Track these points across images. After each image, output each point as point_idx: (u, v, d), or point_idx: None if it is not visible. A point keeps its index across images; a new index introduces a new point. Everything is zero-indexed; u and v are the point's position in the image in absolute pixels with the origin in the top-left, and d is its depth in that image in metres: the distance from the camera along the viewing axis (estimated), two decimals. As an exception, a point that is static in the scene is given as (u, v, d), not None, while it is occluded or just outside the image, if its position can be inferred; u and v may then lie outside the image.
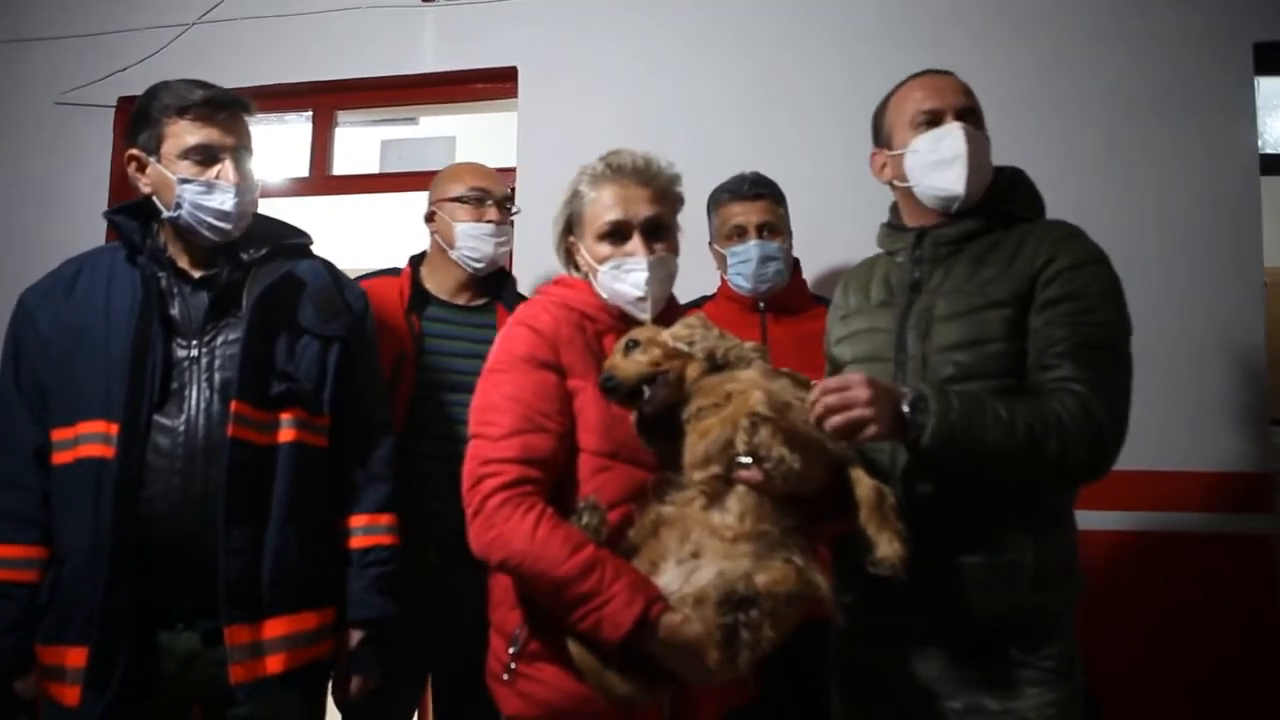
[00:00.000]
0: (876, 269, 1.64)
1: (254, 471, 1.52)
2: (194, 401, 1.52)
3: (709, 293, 2.26)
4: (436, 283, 2.16)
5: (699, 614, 1.20)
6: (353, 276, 1.87)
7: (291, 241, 1.69)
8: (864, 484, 1.27)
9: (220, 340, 1.55)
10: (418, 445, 1.91)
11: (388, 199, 3.33)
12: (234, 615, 1.48)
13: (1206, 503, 2.37)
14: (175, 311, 1.57)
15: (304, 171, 3.18)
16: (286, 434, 1.56)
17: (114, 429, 1.48)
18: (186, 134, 1.56)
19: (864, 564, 1.24)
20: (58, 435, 1.53)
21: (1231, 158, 2.45)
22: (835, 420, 1.25)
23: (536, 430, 1.34)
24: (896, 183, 1.59)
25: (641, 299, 1.44)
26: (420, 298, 2.12)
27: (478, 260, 2.12)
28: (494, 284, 2.19)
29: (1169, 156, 2.48)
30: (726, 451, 1.23)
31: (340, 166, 3.24)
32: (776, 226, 2.13)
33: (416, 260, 2.22)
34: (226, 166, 1.57)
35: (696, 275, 2.06)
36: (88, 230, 3.00)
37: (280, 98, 3.10)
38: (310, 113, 3.21)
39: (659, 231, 1.47)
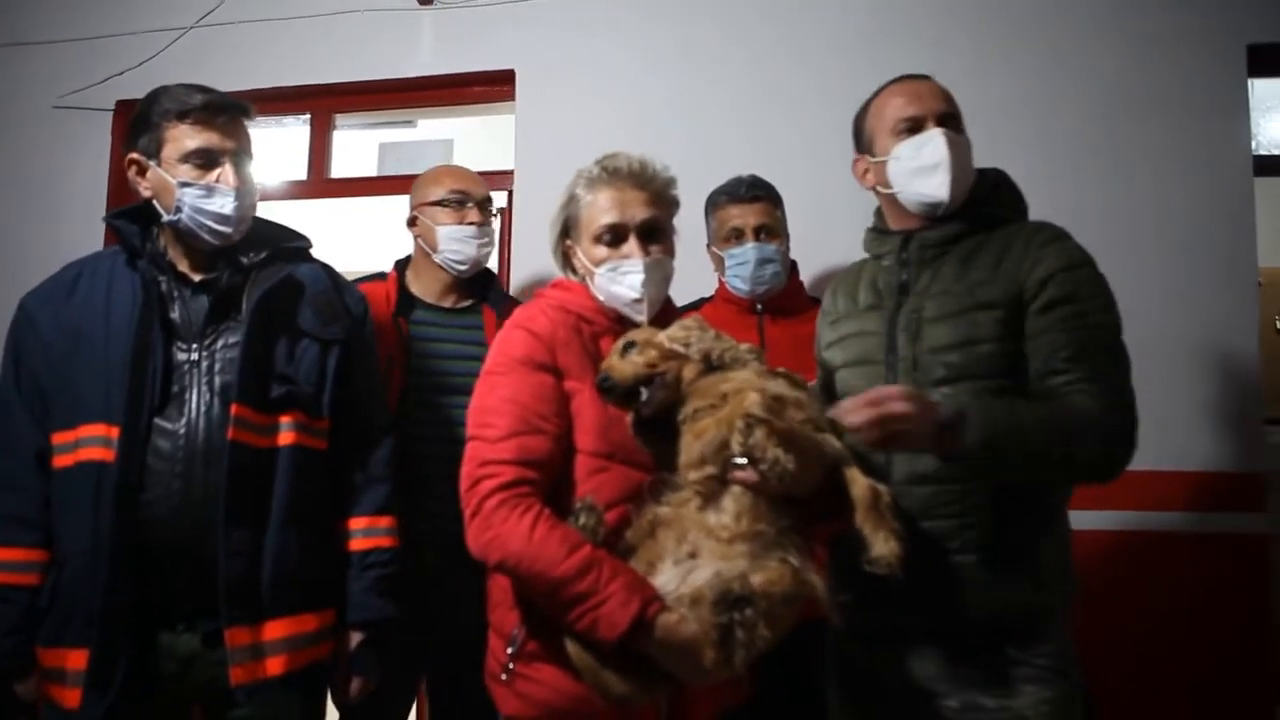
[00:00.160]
0: (863, 273, 1.65)
1: (254, 474, 1.53)
2: (194, 405, 1.53)
3: (707, 295, 2.27)
4: (422, 286, 2.17)
5: (695, 614, 1.21)
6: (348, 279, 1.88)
7: (291, 245, 1.70)
8: (859, 484, 1.28)
9: (220, 344, 1.56)
10: (409, 447, 1.92)
11: (385, 202, 3.34)
12: (234, 617, 1.48)
13: (1201, 502, 2.38)
14: (175, 315, 1.58)
15: (302, 174, 3.19)
16: (286, 437, 1.57)
17: (114, 432, 1.49)
18: (186, 138, 1.57)
19: (860, 563, 1.25)
20: (58, 439, 1.54)
21: (1226, 159, 2.46)
22: (874, 435, 1.24)
23: (534, 432, 1.35)
24: (880, 189, 1.60)
25: (638, 301, 1.45)
26: (407, 301, 2.14)
27: (461, 262, 2.13)
28: (479, 285, 2.20)
29: (1164, 157, 2.49)
30: (721, 452, 1.24)
31: (338, 169, 3.25)
32: (774, 229, 2.14)
33: (402, 265, 2.23)
34: (226, 170, 1.58)
35: (694, 278, 2.07)
36: (86, 234, 3.02)
37: (278, 101, 3.10)
38: (308, 116, 3.22)
39: (655, 234, 1.48)
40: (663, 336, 1.37)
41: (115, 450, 1.48)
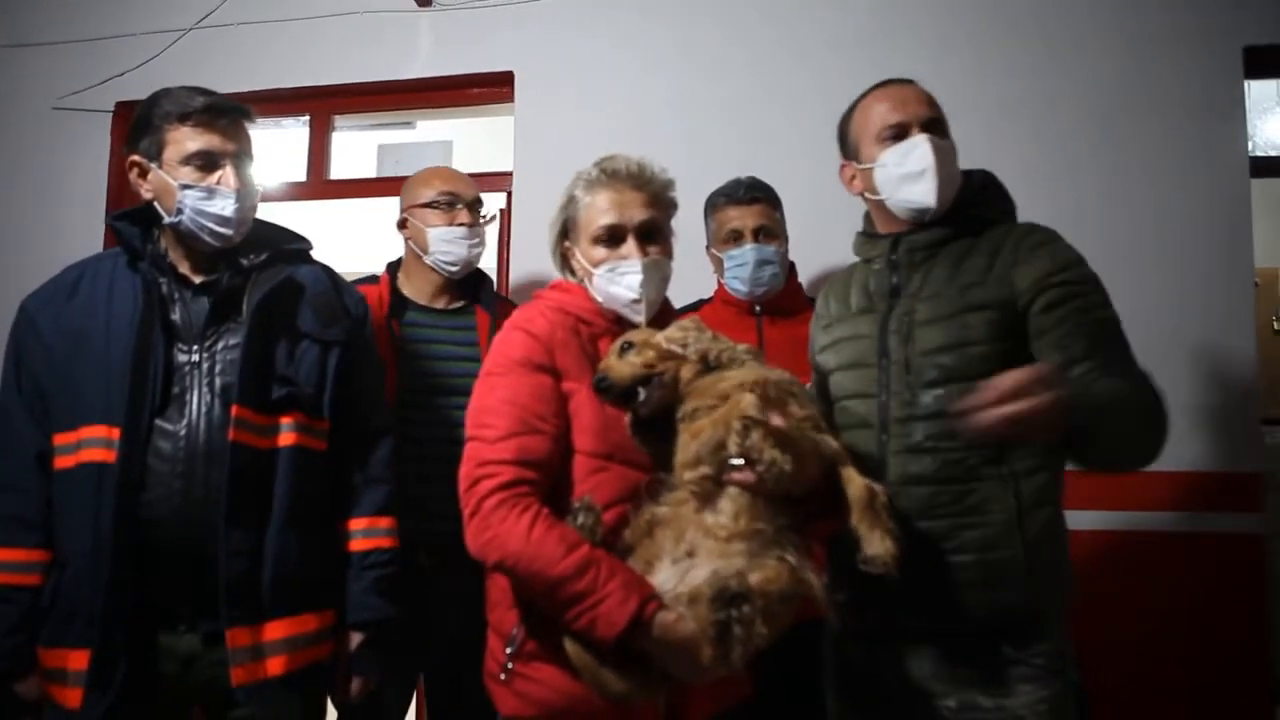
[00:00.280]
0: (854, 276, 1.66)
1: (255, 475, 1.53)
2: (195, 406, 1.54)
3: (706, 296, 2.28)
4: (414, 288, 2.18)
5: (693, 612, 1.21)
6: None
7: (291, 247, 1.71)
8: (856, 483, 1.28)
9: (221, 345, 1.57)
10: (402, 448, 1.92)
11: (385, 203, 3.34)
12: (235, 617, 1.49)
13: (1198, 502, 2.39)
14: (176, 317, 1.58)
15: (301, 176, 3.19)
16: (287, 438, 1.57)
17: (115, 433, 1.49)
18: (188, 140, 1.58)
19: (856, 563, 1.26)
20: (59, 440, 1.54)
21: (1222, 160, 2.48)
22: (1012, 431, 1.18)
23: (532, 432, 1.35)
24: (868, 195, 1.61)
25: (636, 301, 1.46)
26: (399, 303, 2.14)
27: (452, 264, 2.14)
28: (471, 286, 2.21)
29: (1161, 158, 2.50)
30: (718, 453, 1.24)
31: (337, 171, 3.26)
32: (772, 230, 2.15)
33: (393, 267, 2.24)
34: (227, 172, 1.58)
35: (694, 279, 2.08)
36: (85, 235, 3.03)
37: (277, 102, 3.11)
38: (307, 117, 3.22)
39: (653, 235, 1.49)
40: (660, 337, 1.37)
41: (116, 451, 1.48)
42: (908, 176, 1.52)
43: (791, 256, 2.23)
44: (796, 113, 2.70)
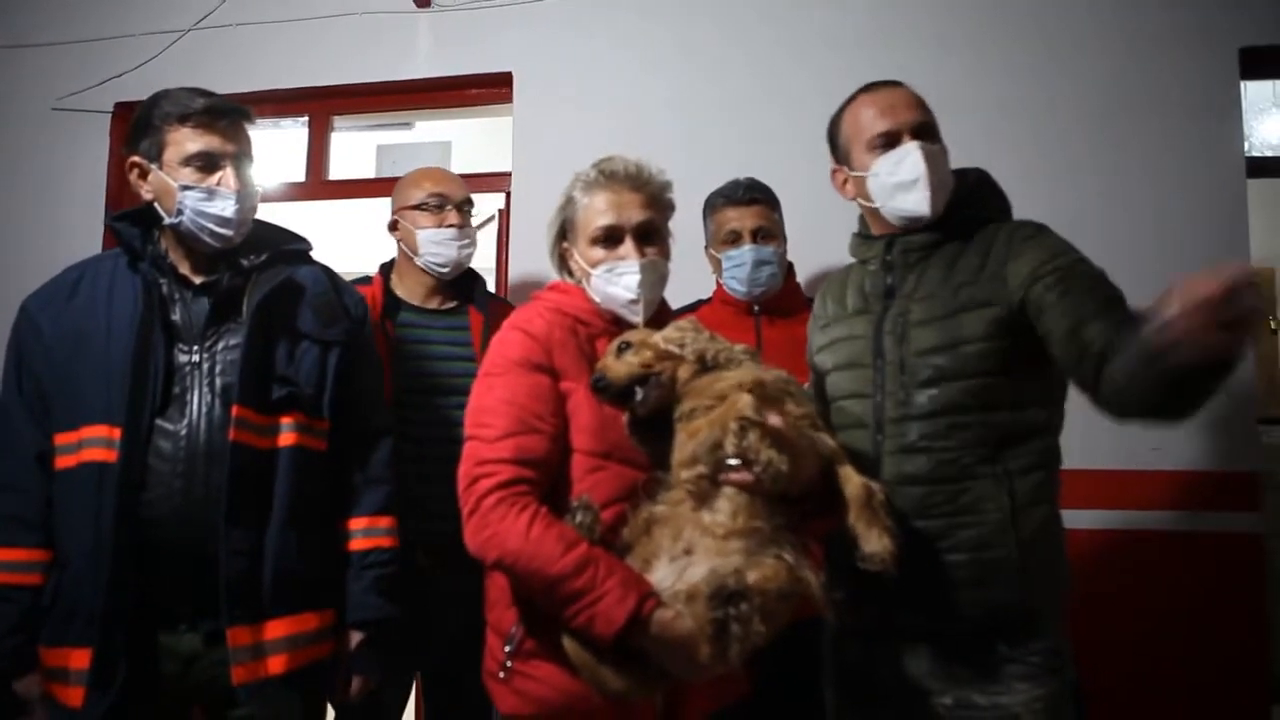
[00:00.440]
0: (850, 278, 1.66)
1: (255, 475, 1.54)
2: (195, 406, 1.54)
3: (705, 297, 2.28)
4: (406, 289, 2.19)
5: (690, 610, 1.22)
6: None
7: (291, 248, 1.71)
8: (853, 482, 1.29)
9: (221, 345, 1.57)
10: (399, 448, 1.93)
11: (383, 204, 3.35)
12: (235, 616, 1.49)
13: (1195, 501, 2.40)
14: (176, 317, 1.59)
15: (300, 176, 3.20)
16: (287, 438, 1.58)
17: (116, 433, 1.50)
18: (188, 141, 1.58)
19: (854, 561, 1.26)
20: (60, 440, 1.55)
21: (1219, 160, 2.48)
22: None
23: (530, 432, 1.36)
24: (861, 201, 1.61)
25: (634, 301, 1.47)
26: (392, 304, 2.15)
27: (442, 265, 2.15)
28: (464, 286, 2.22)
29: (1158, 158, 2.51)
30: (715, 453, 1.25)
31: (336, 171, 3.26)
32: (771, 231, 2.16)
33: (386, 268, 2.24)
34: (227, 173, 1.59)
35: (692, 279, 2.08)
36: (84, 235, 3.03)
37: (276, 103, 3.12)
38: (306, 118, 3.23)
39: (651, 236, 1.50)
40: (658, 337, 1.38)
41: (117, 451, 1.49)
42: (901, 185, 1.52)
43: (792, 256, 2.23)
44: (795, 113, 2.70)
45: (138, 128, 1.62)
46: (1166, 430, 2.37)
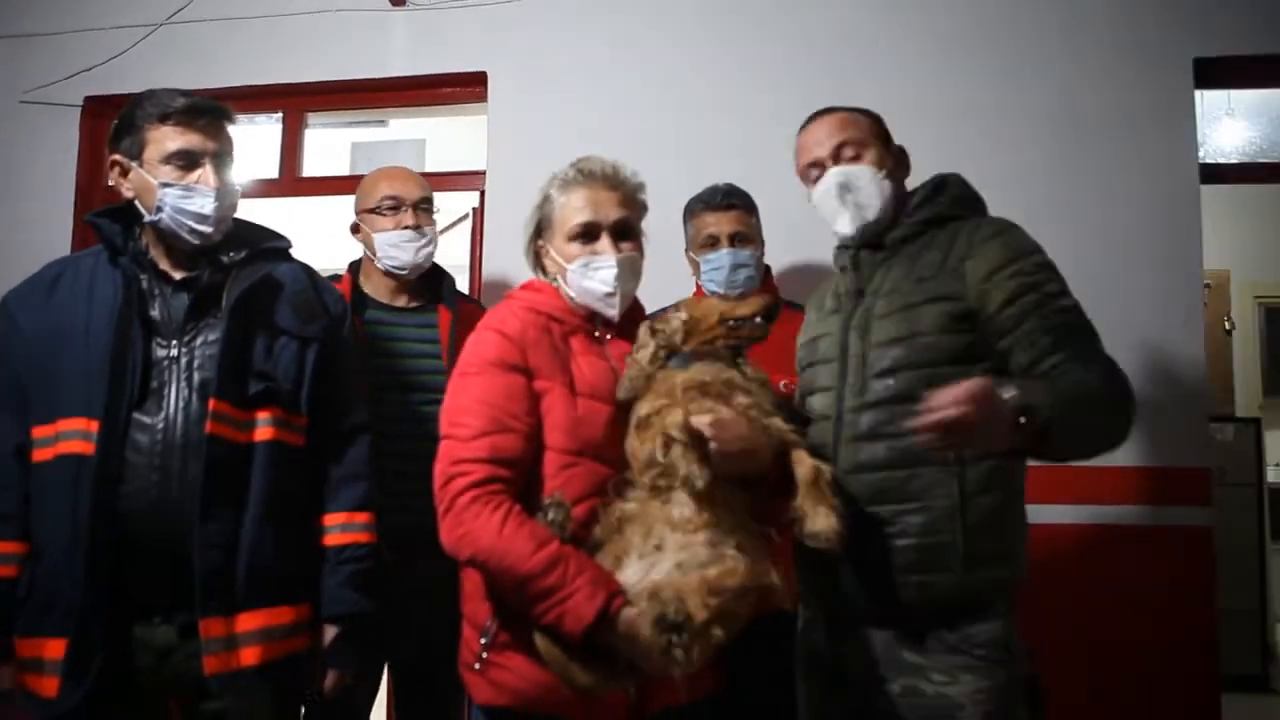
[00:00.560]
0: (833, 284, 1.73)
1: (231, 468, 1.55)
2: (173, 400, 1.55)
3: (683, 297, 2.31)
4: (373, 288, 2.20)
5: (651, 609, 1.25)
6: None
7: (271, 245, 1.72)
8: (805, 464, 1.35)
9: (200, 340, 1.58)
10: None
11: (357, 201, 3.35)
12: (209, 608, 1.50)
13: (1149, 496, 2.47)
14: (156, 312, 1.60)
15: (274, 173, 3.18)
16: (264, 432, 1.59)
17: (94, 426, 1.50)
18: (168, 139, 1.59)
19: (803, 539, 1.32)
20: (38, 433, 1.55)
21: (1173, 167, 2.56)
22: (945, 442, 1.23)
23: (505, 431, 1.39)
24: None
25: (610, 294, 1.50)
26: (360, 302, 2.16)
27: (400, 267, 2.16)
28: (433, 285, 2.23)
29: (1115, 165, 2.58)
30: (653, 466, 1.33)
31: (310, 168, 3.25)
32: (748, 235, 2.20)
33: (355, 266, 2.25)
34: (206, 171, 1.60)
35: (668, 279, 2.11)
36: (52, 229, 3.01)
37: (250, 99, 3.08)
38: (280, 114, 3.21)
39: (626, 233, 1.54)
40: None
41: (94, 444, 1.50)
42: (831, 211, 1.61)
43: (785, 257, 2.28)
44: (768, 115, 2.72)
45: (120, 127, 1.63)
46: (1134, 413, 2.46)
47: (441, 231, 2.36)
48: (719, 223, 2.19)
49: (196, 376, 1.56)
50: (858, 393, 1.53)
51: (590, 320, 1.54)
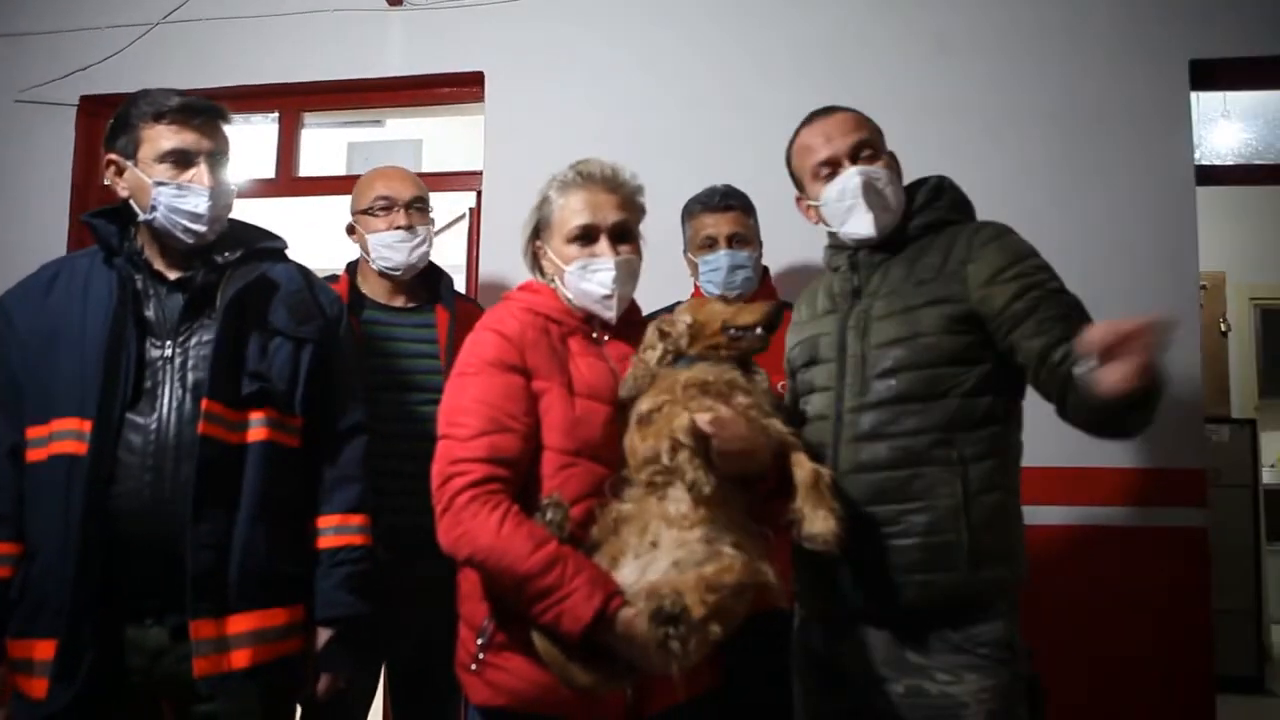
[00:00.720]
0: (823, 283, 1.73)
1: (224, 469, 1.54)
2: (166, 400, 1.54)
3: (682, 299, 2.32)
4: (371, 289, 2.20)
5: (646, 608, 1.25)
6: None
7: (266, 245, 1.72)
8: (804, 467, 1.36)
9: (194, 341, 1.58)
10: None
11: (353, 201, 3.34)
12: (200, 610, 1.49)
13: (1145, 497, 2.48)
14: (150, 312, 1.59)
15: (270, 172, 3.18)
16: (258, 433, 1.58)
17: (87, 426, 1.50)
18: (162, 139, 1.59)
19: (800, 541, 1.33)
20: (32, 433, 1.55)
21: (1169, 168, 2.57)
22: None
23: (503, 431, 1.39)
24: (823, 225, 1.68)
25: (608, 297, 1.51)
26: (358, 302, 2.16)
27: (393, 268, 2.16)
28: (430, 284, 2.23)
29: (1112, 166, 2.59)
30: (653, 463, 1.33)
31: (306, 168, 3.25)
32: (746, 237, 2.21)
33: (353, 266, 2.25)
34: (201, 170, 1.59)
35: (666, 280, 2.11)
36: (48, 228, 3.00)
37: (246, 99, 3.08)
38: (277, 114, 3.21)
39: (625, 236, 1.54)
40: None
41: (87, 443, 1.49)
42: (847, 210, 1.59)
43: (782, 259, 2.28)
44: (764, 116, 2.71)
45: (116, 126, 1.63)
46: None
47: (438, 232, 2.36)
48: (717, 224, 2.20)
49: (190, 377, 1.56)
50: (858, 393, 1.53)
51: (588, 321, 1.54)
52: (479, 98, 2.99)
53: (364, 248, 2.19)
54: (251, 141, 3.22)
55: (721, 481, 1.33)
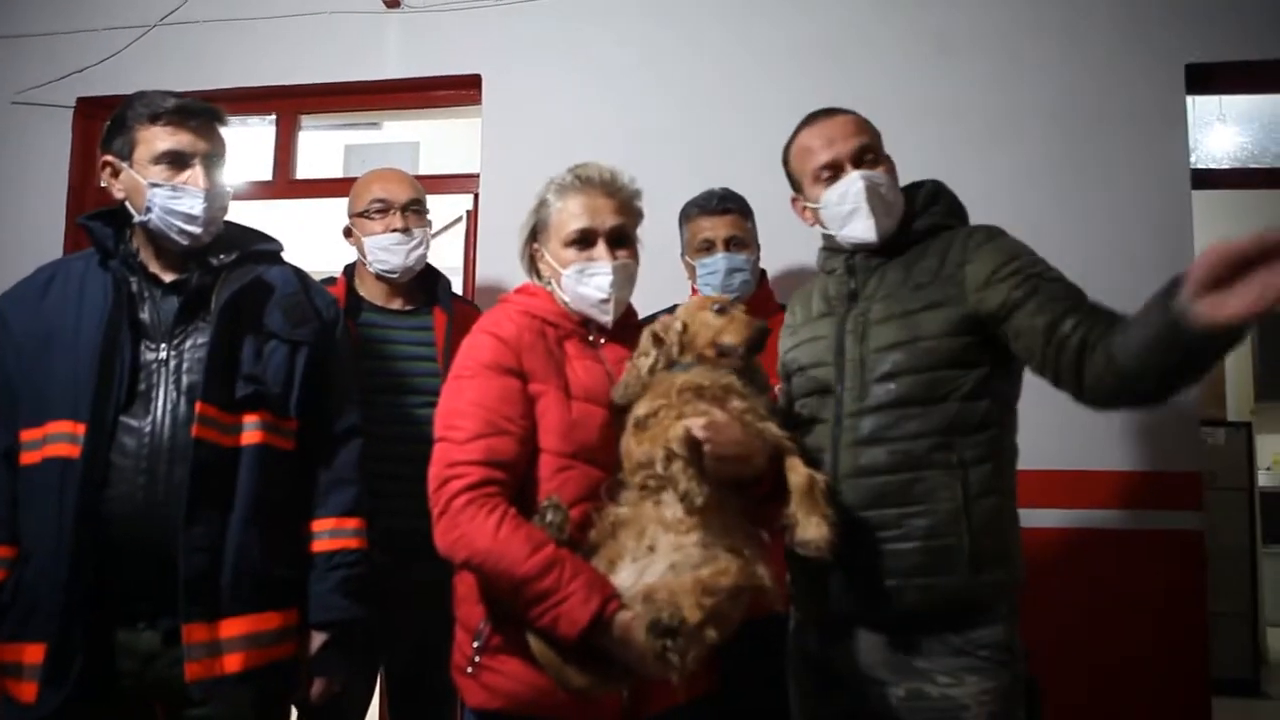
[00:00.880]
0: (817, 286, 1.73)
1: (218, 472, 1.54)
2: (160, 403, 1.54)
3: (679, 302, 2.32)
4: (368, 291, 2.20)
5: (646, 610, 1.25)
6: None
7: (262, 248, 1.72)
8: (799, 472, 1.36)
9: (189, 343, 1.57)
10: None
11: (350, 204, 3.34)
12: (192, 613, 1.49)
13: (1140, 500, 2.48)
14: (145, 315, 1.59)
15: (267, 175, 3.18)
16: (252, 436, 1.58)
17: (80, 429, 1.50)
18: (158, 140, 1.59)
19: (793, 546, 1.33)
20: (26, 436, 1.54)
21: (1165, 171, 2.57)
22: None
23: (500, 434, 1.38)
24: (819, 228, 1.68)
25: (605, 301, 1.51)
26: (355, 304, 2.16)
27: (390, 271, 2.16)
28: (428, 287, 2.22)
29: (1106, 170, 2.59)
30: (646, 469, 1.33)
31: (303, 170, 3.25)
32: (743, 240, 2.21)
33: (350, 269, 2.25)
34: (196, 172, 1.59)
35: (663, 283, 2.11)
36: (45, 231, 3.00)
37: (243, 101, 3.09)
38: (274, 116, 3.21)
39: (622, 240, 1.54)
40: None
41: (81, 446, 1.49)
42: (848, 214, 1.59)
43: (770, 261, 2.27)
44: (763, 119, 2.69)
45: (112, 128, 1.63)
46: (1114, 432, 2.47)
47: (435, 235, 2.36)
48: (715, 227, 2.20)
49: (185, 380, 1.55)
50: (857, 397, 1.53)
51: (584, 325, 1.54)
52: (476, 100, 2.99)
53: (361, 250, 2.19)
54: (248, 143, 3.21)
55: (717, 486, 1.33)
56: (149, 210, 1.58)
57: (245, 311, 1.62)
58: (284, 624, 1.60)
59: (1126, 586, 2.45)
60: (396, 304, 2.20)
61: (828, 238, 1.71)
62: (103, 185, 1.66)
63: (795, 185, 1.71)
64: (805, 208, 1.68)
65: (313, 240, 3.45)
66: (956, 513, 1.45)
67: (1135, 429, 2.50)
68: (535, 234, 1.58)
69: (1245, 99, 3.73)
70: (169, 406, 1.54)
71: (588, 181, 1.53)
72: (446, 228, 3.13)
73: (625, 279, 1.53)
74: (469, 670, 1.42)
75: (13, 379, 1.57)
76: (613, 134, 2.78)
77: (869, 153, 1.61)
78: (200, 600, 1.50)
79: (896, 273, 1.58)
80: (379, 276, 2.17)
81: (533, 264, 1.60)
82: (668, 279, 2.15)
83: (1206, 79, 2.65)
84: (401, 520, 1.81)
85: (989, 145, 2.62)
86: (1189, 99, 2.62)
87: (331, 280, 2.20)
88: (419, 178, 2.39)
